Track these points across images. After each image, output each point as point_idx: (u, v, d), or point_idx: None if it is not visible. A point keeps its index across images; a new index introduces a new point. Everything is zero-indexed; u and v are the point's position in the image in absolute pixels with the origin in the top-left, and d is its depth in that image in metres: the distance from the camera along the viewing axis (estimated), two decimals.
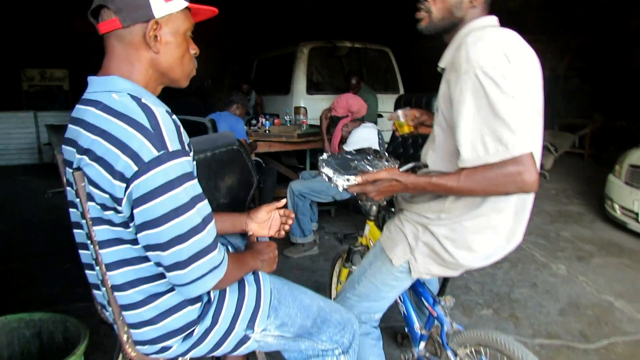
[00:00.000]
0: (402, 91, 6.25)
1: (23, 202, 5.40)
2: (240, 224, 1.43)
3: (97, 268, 1.04)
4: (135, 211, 0.90)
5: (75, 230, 1.12)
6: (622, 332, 2.52)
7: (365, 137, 3.37)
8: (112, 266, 1.00)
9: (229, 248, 1.42)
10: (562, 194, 5.74)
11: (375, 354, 1.60)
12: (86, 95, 1.01)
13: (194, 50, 1.10)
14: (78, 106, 1.02)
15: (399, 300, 1.76)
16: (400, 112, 1.75)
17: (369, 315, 1.57)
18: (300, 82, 5.73)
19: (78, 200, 1.00)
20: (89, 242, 1.04)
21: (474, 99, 1.15)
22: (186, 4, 1.05)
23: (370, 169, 1.37)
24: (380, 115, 5.65)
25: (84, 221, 1.02)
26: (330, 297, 2.36)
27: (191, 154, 1.00)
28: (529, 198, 1.33)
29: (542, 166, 5.59)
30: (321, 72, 6.02)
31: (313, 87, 5.86)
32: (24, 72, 8.54)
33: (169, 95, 1.15)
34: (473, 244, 1.32)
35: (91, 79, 1.02)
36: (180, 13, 1.04)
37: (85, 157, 0.93)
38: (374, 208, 2.05)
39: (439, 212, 1.33)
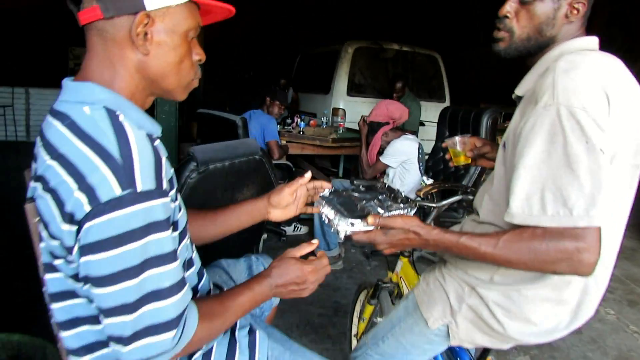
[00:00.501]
0: (448, 101, 5.95)
1: None
2: (260, 213, 1.22)
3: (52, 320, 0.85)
4: (80, 260, 0.71)
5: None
6: None
7: (404, 150, 3.12)
8: (65, 325, 0.81)
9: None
10: None
11: None
12: (56, 105, 0.81)
13: (198, 56, 0.88)
14: (47, 117, 0.82)
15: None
16: (457, 139, 1.52)
17: None
18: (341, 82, 5.51)
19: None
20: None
21: (547, 142, 0.90)
22: None
23: (381, 211, 1.10)
24: (422, 124, 5.37)
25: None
26: (349, 332, 2.14)
27: (172, 192, 0.80)
28: (612, 262, 1.06)
29: None
30: (364, 74, 5.78)
31: (354, 89, 5.63)
32: (71, 50, 8.67)
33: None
34: (532, 316, 1.07)
35: (65, 84, 0.81)
36: (183, 7, 0.81)
37: (38, 186, 0.74)
38: None
39: (492, 274, 1.09)
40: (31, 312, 2.06)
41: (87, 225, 0.68)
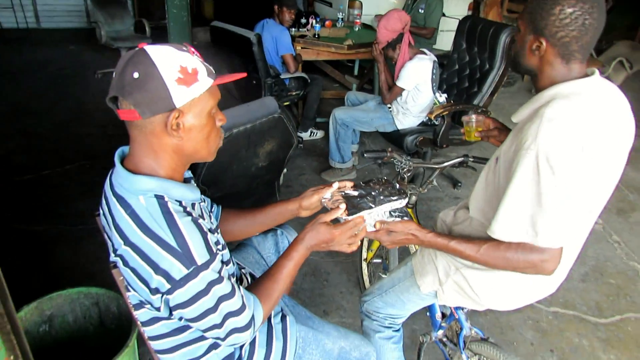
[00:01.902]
0: None
1: (76, 80, 5.55)
2: (292, 215, 1.40)
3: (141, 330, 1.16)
4: (173, 312, 0.99)
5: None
6: (637, 308, 2.60)
7: (419, 71, 3.15)
8: (155, 338, 1.13)
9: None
10: None
11: (396, 357, 1.74)
12: (116, 187, 1.01)
13: (220, 122, 1.05)
14: (109, 192, 1.02)
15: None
16: (474, 117, 1.67)
17: (392, 320, 1.70)
18: None
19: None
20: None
21: (525, 179, 1.09)
22: (211, 81, 0.97)
23: (372, 206, 1.28)
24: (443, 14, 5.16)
25: None
26: (360, 257, 2.51)
27: (223, 252, 1.03)
28: (576, 250, 1.31)
29: (610, 81, 5.19)
30: None
31: None
32: None
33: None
34: (506, 292, 1.37)
35: (118, 170, 1.01)
36: (205, 92, 0.97)
37: (119, 261, 0.98)
38: (414, 198, 2.06)
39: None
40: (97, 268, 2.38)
41: (171, 296, 0.94)
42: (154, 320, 1.10)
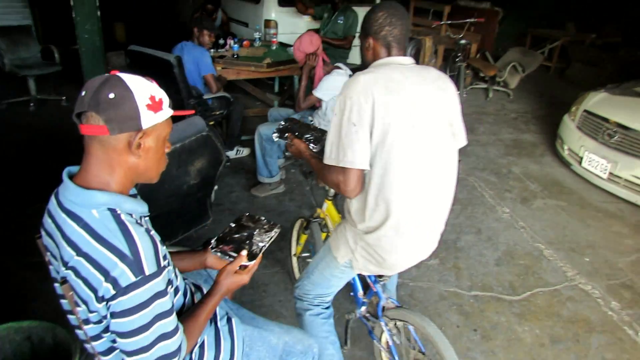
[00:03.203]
0: None
1: None
2: (200, 261, 1.49)
3: (89, 345, 1.18)
4: (111, 320, 1.03)
5: (61, 300, 1.21)
6: (544, 283, 2.93)
7: (336, 85, 3.36)
8: (104, 353, 1.17)
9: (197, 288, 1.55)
10: (521, 118, 5.98)
11: (326, 330, 1.92)
12: (65, 203, 1.06)
13: (168, 149, 1.17)
14: (57, 209, 1.07)
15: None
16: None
17: (321, 299, 1.91)
18: None
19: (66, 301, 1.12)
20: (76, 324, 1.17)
21: (334, 118, 1.50)
22: (171, 112, 1.12)
23: (260, 245, 1.41)
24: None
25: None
26: (290, 252, 2.70)
27: (169, 267, 1.10)
28: (424, 221, 1.60)
29: (506, 85, 5.73)
30: None
31: None
32: None
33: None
34: (398, 252, 1.62)
35: (68, 186, 1.06)
36: (165, 120, 1.11)
37: (71, 273, 1.02)
38: (332, 190, 2.26)
39: (364, 227, 1.62)
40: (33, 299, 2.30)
41: (114, 302, 1.00)
42: (99, 337, 1.13)
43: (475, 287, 2.86)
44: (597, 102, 4.23)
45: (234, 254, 1.35)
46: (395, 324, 1.89)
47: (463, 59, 5.89)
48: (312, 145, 1.94)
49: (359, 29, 5.35)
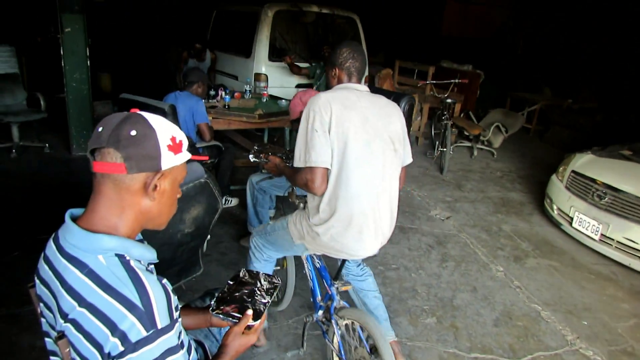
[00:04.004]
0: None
1: None
2: (206, 319, 1.37)
3: None
4: None
5: (52, 357, 1.10)
6: (545, 346, 2.82)
7: None
8: None
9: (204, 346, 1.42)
10: (507, 177, 6.05)
11: (268, 269, 2.31)
12: (67, 247, 0.96)
13: (179, 194, 1.10)
14: (56, 255, 0.96)
15: (309, 278, 2.34)
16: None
17: (269, 256, 2.29)
18: (262, 47, 5.53)
19: (59, 350, 0.98)
20: None
21: (302, 126, 1.83)
22: (189, 155, 1.06)
23: (263, 301, 1.32)
24: None
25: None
26: None
27: (179, 320, 0.99)
28: (369, 214, 1.89)
29: (490, 144, 5.80)
30: (285, 38, 5.81)
31: (276, 54, 5.66)
32: None
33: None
34: (344, 239, 1.89)
35: (72, 229, 0.96)
36: (182, 164, 1.05)
37: (70, 327, 0.91)
38: (302, 205, 2.31)
39: (317, 219, 1.91)
40: None
41: (122, 359, 0.87)
42: None
43: (475, 348, 2.73)
44: (585, 163, 4.30)
45: (238, 315, 1.24)
46: (345, 323, 2.12)
47: (449, 117, 6.02)
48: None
49: None
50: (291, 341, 2.60)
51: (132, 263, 0.95)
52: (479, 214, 4.73)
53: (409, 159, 2.02)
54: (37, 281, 1.02)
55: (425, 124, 7.18)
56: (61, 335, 0.92)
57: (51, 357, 1.11)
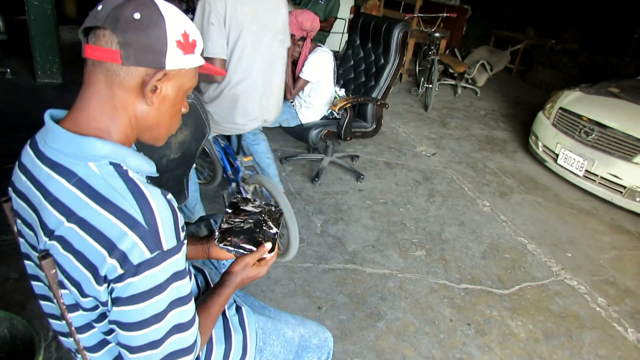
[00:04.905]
0: None
1: None
2: (204, 250, 1.23)
3: (71, 339, 0.92)
4: (113, 308, 0.78)
5: (33, 282, 0.96)
6: (531, 277, 2.86)
7: (322, 63, 3.15)
8: (93, 348, 0.90)
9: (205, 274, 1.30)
10: (490, 115, 6.00)
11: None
12: (49, 153, 0.79)
13: (185, 108, 0.92)
14: (35, 162, 0.80)
15: (217, 158, 2.77)
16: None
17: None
18: None
19: (43, 274, 0.84)
20: (57, 308, 0.90)
21: (197, 19, 1.99)
22: (202, 61, 0.88)
23: (272, 230, 1.19)
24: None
25: (50, 291, 0.88)
26: None
27: (186, 242, 0.84)
28: (255, 95, 2.24)
29: (474, 82, 5.70)
30: None
31: None
32: None
33: None
34: (231, 118, 2.24)
35: (55, 131, 0.79)
36: (192, 69, 0.85)
37: (56, 245, 0.76)
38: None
39: (208, 99, 2.24)
40: None
41: (120, 284, 0.74)
42: (89, 327, 0.87)
43: (464, 279, 2.74)
44: (573, 100, 4.25)
45: (250, 247, 1.11)
46: (252, 188, 2.56)
47: (435, 53, 5.82)
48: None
49: (341, 11, 5.28)
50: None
51: (131, 174, 0.80)
52: (464, 151, 4.69)
53: (288, 43, 2.38)
54: (13, 194, 0.87)
55: (410, 61, 6.97)
56: (45, 254, 0.78)
57: (32, 283, 0.97)
